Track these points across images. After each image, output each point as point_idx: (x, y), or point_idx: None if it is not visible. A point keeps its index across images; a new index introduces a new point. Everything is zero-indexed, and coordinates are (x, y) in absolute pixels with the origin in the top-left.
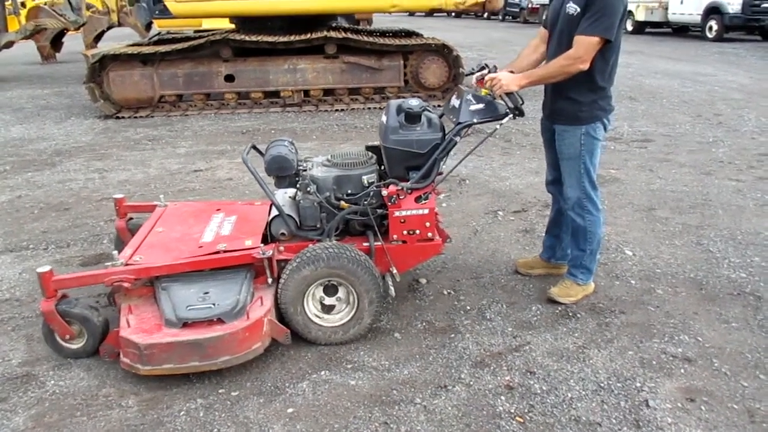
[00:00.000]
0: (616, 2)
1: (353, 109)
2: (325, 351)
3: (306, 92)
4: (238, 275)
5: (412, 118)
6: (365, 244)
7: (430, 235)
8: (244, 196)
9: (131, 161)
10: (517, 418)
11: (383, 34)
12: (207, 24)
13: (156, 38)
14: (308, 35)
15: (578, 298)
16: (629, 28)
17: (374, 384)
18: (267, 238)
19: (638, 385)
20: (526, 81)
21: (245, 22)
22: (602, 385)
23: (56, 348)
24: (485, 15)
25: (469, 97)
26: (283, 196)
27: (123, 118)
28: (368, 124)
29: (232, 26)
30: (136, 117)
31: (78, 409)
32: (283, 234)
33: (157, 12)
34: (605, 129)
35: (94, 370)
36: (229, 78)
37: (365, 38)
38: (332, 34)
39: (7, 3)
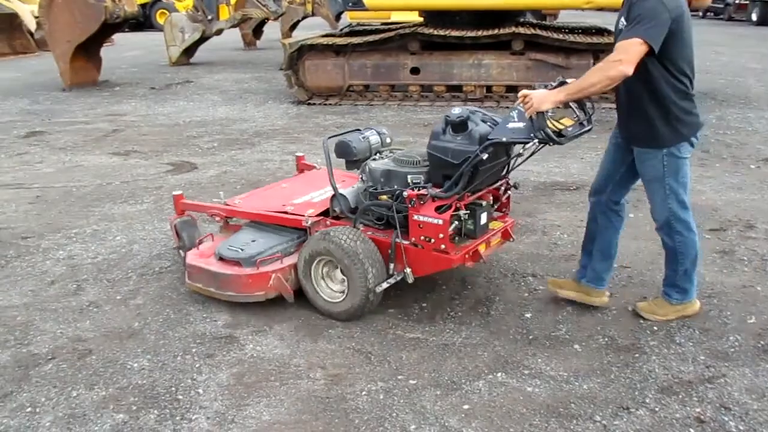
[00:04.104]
0: (656, 6)
1: None
2: (501, 353)
3: (489, 88)
4: (289, 235)
5: (456, 126)
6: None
7: (443, 247)
8: None
9: (321, 146)
10: None
11: (572, 31)
12: (395, 16)
13: (347, 29)
14: (496, 30)
15: (668, 317)
16: None
17: (551, 394)
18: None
19: None
20: (562, 96)
21: (434, 15)
22: None
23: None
24: None
25: (514, 113)
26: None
27: (314, 104)
28: None
29: (420, 19)
30: (325, 104)
31: (272, 374)
32: (335, 211)
33: (350, 4)
34: (692, 145)
35: (286, 340)
36: (415, 71)
37: (554, 35)
38: (520, 30)
39: None
